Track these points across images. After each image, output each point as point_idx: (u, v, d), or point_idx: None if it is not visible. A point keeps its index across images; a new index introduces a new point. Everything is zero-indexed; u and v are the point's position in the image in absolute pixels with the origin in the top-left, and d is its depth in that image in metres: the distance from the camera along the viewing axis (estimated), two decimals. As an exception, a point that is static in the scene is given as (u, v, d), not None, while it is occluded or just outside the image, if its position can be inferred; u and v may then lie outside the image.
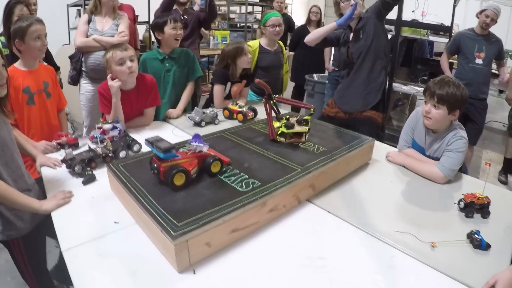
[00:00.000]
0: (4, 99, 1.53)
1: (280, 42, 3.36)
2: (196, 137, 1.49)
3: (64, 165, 1.77)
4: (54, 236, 1.33)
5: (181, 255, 1.11)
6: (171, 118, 2.65)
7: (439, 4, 5.09)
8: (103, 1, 2.93)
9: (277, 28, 3.11)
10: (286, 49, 4.74)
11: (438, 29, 4.66)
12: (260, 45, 3.18)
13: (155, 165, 1.38)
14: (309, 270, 1.17)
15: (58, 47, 4.55)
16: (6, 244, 1.67)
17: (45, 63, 2.84)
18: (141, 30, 5.15)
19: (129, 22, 3.10)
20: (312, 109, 1.95)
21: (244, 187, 1.39)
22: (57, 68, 3.88)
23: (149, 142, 1.40)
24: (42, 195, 1.62)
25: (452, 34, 4.46)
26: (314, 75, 5.06)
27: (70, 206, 1.49)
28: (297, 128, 1.85)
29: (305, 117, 1.89)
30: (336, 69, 4.44)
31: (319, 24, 5.05)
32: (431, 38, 4.75)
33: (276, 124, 1.88)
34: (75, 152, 1.81)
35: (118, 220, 1.37)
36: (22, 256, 1.70)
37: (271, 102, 1.91)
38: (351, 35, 2.74)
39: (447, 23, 4.54)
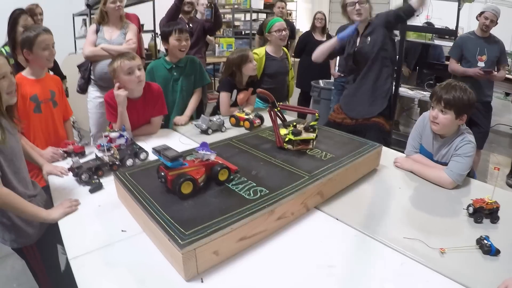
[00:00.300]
0: (13, 108, 1.54)
1: (285, 49, 3.37)
2: (203, 145, 1.49)
3: (71, 174, 1.77)
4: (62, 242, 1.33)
5: (189, 264, 1.10)
6: (178, 125, 2.65)
7: (443, 7, 5.07)
8: (109, 12, 2.95)
9: (283, 33, 3.13)
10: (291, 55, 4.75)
11: (444, 33, 4.63)
12: (266, 52, 3.19)
13: (163, 174, 1.38)
14: (318, 278, 1.16)
15: (64, 56, 4.58)
16: (20, 252, 1.68)
17: (51, 73, 2.86)
18: (147, 39, 5.18)
19: (136, 29, 3.12)
20: (317, 114, 1.95)
21: (252, 195, 1.38)
22: (63, 77, 3.92)
23: (156, 151, 1.40)
24: (50, 203, 1.62)
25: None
26: (320, 81, 5.05)
27: (77, 214, 1.49)
28: (304, 135, 1.84)
29: (311, 123, 1.88)
30: (342, 75, 4.43)
31: (324, 30, 5.04)
32: (436, 42, 4.72)
33: (283, 131, 1.87)
34: (82, 161, 1.81)
35: (126, 229, 1.37)
36: (38, 263, 1.70)
37: (276, 110, 1.90)
38: (358, 40, 2.72)
39: (451, 26, 4.51)
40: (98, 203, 1.57)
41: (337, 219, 1.49)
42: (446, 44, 4.64)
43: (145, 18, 4.38)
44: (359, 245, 1.34)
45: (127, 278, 1.13)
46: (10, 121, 1.52)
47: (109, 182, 1.69)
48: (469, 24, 6.75)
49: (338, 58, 4.78)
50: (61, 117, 2.27)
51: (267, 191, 1.40)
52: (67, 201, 1.53)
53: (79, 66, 3.15)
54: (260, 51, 3.18)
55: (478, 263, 1.24)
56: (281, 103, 1.95)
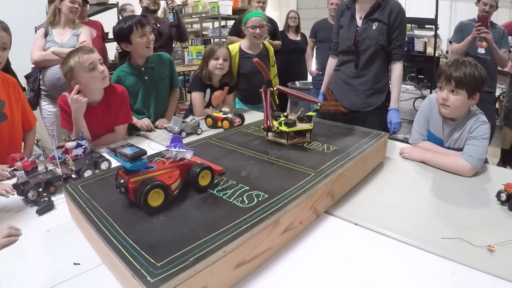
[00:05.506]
0: None
1: (266, 42, 3.02)
2: (176, 139, 1.16)
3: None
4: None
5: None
6: (161, 128, 2.38)
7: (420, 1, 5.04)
8: (63, 10, 2.75)
9: (258, 30, 2.76)
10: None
11: (423, 22, 4.56)
12: (240, 49, 2.85)
13: (122, 181, 1.04)
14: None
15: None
16: None
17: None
18: (112, 49, 4.93)
19: (89, 32, 2.95)
20: (319, 104, 1.73)
21: (246, 202, 1.07)
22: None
23: (111, 149, 1.06)
24: None
25: (438, 26, 4.33)
26: (297, 82, 4.92)
27: (17, 245, 1.16)
28: (300, 126, 1.59)
29: (308, 114, 1.63)
30: (320, 72, 4.22)
31: (298, 29, 4.89)
32: (416, 32, 4.64)
33: (274, 123, 1.59)
34: (30, 175, 1.50)
35: (79, 261, 1.04)
36: None
37: (271, 89, 1.65)
38: (360, 18, 2.36)
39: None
40: (47, 227, 1.24)
41: (356, 224, 1.21)
42: (427, 34, 4.56)
43: (110, 26, 4.15)
44: (393, 254, 1.07)
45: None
46: None
47: (62, 200, 1.37)
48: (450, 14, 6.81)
49: (314, 55, 4.60)
50: (17, 131, 1.90)
51: (266, 195, 1.10)
52: (6, 230, 1.19)
53: (26, 77, 2.86)
54: (234, 48, 2.83)
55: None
56: (278, 86, 1.69)
